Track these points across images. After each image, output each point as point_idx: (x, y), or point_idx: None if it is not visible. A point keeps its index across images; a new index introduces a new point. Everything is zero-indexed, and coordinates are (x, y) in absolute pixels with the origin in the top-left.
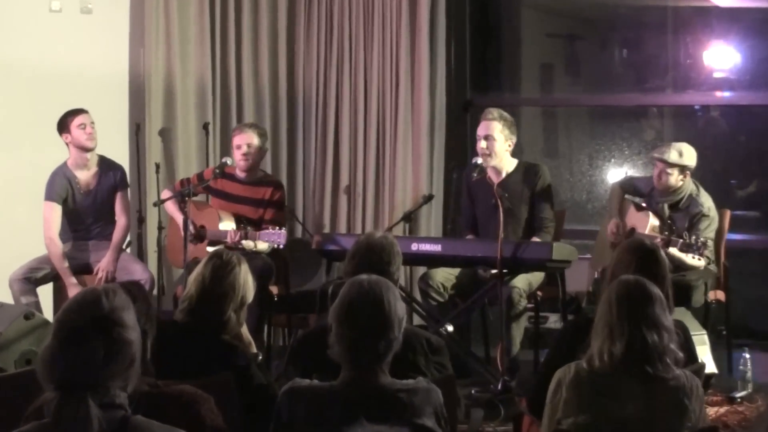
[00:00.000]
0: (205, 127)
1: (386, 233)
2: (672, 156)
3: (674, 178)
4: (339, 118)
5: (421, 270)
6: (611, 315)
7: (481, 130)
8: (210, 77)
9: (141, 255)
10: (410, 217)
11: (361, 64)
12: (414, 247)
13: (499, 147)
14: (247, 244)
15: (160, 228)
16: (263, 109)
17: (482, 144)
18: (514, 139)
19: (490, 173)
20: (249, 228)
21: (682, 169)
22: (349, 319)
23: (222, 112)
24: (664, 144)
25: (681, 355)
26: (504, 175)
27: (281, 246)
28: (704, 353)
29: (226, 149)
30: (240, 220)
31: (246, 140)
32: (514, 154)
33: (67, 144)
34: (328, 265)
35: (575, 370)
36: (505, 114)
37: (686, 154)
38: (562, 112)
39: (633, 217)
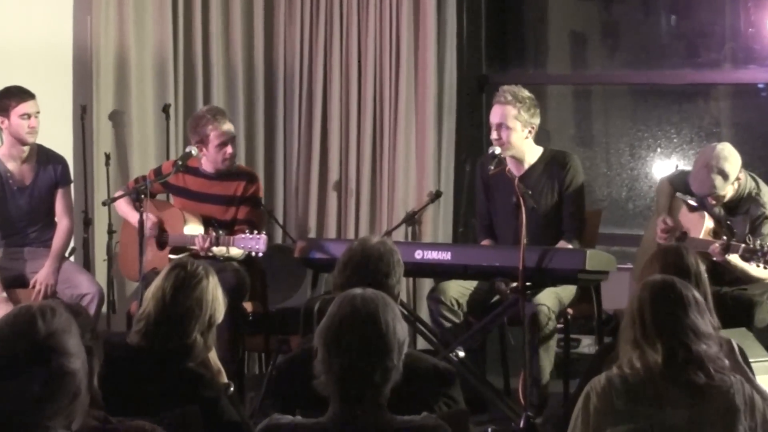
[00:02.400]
0: (165, 110)
1: (384, 239)
2: (718, 185)
3: (728, 194)
4: (327, 100)
5: (425, 283)
6: (636, 324)
7: (493, 117)
8: (171, 50)
9: (87, 264)
10: (414, 219)
11: (354, 35)
12: (418, 254)
13: (515, 137)
14: (219, 250)
15: (110, 232)
16: (235, 91)
17: (493, 133)
18: (537, 123)
19: (510, 165)
20: (221, 231)
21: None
22: (338, 343)
23: (186, 92)
24: (698, 167)
25: (726, 362)
26: (526, 167)
27: (260, 253)
28: None
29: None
30: (209, 222)
31: (228, 134)
32: (540, 139)
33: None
34: (314, 278)
35: (606, 378)
36: (524, 93)
37: (730, 167)
38: (597, 91)
39: (685, 219)
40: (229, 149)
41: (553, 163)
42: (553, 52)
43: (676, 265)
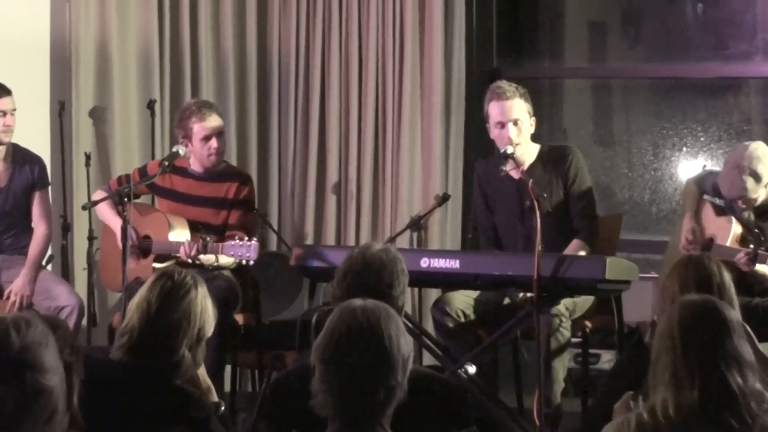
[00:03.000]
0: (150, 106)
1: (387, 246)
2: (749, 187)
3: (761, 197)
4: (325, 95)
5: (433, 293)
6: (675, 352)
7: (503, 114)
8: (156, 42)
9: (66, 274)
10: (419, 225)
11: (354, 24)
12: (424, 262)
13: (526, 131)
14: (208, 258)
15: (91, 238)
16: (226, 85)
17: (511, 131)
18: (534, 117)
19: (508, 166)
20: (209, 238)
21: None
22: (338, 359)
23: (172, 87)
24: (729, 167)
25: None
26: (526, 166)
27: (251, 262)
28: None
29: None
30: (196, 227)
31: (214, 127)
32: (555, 137)
33: None
34: (311, 288)
35: (636, 423)
36: (520, 87)
37: (763, 168)
38: (618, 85)
39: (711, 224)
40: (213, 143)
41: (552, 159)
42: (570, 44)
43: (698, 277)
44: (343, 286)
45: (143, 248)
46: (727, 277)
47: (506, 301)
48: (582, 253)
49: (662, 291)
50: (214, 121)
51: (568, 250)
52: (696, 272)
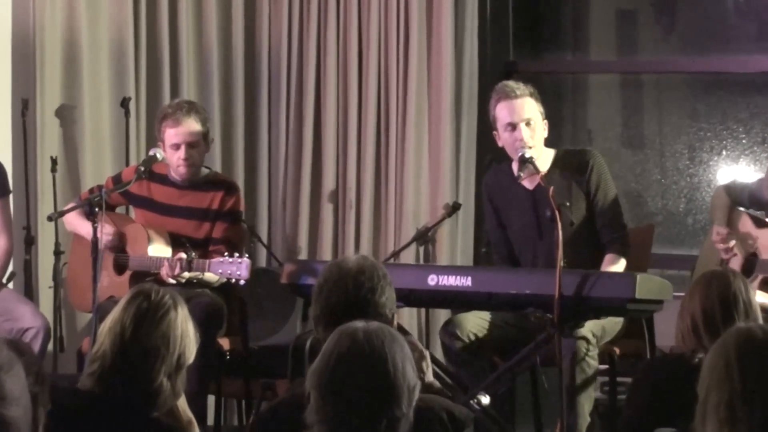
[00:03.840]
0: (125, 104)
1: (364, 255)
2: None
3: None
4: (321, 93)
5: (442, 315)
6: (733, 387)
7: (510, 114)
8: (132, 34)
9: (30, 292)
10: (427, 237)
11: (353, 13)
12: (432, 280)
13: (540, 133)
14: (194, 275)
15: (57, 253)
16: (209, 81)
17: (524, 132)
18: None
19: (525, 174)
20: (193, 253)
21: None
22: (336, 387)
23: (149, 84)
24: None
25: None
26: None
27: (242, 281)
28: None
29: (155, 137)
30: (178, 240)
31: (186, 134)
32: (580, 140)
33: None
34: (304, 308)
35: None
36: (529, 85)
37: None
38: (649, 81)
39: (752, 237)
40: (181, 153)
41: (570, 165)
42: (596, 34)
43: (722, 295)
44: (320, 302)
45: (118, 264)
46: (753, 295)
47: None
48: (620, 267)
49: (682, 309)
50: (187, 127)
51: (605, 266)
52: (720, 289)
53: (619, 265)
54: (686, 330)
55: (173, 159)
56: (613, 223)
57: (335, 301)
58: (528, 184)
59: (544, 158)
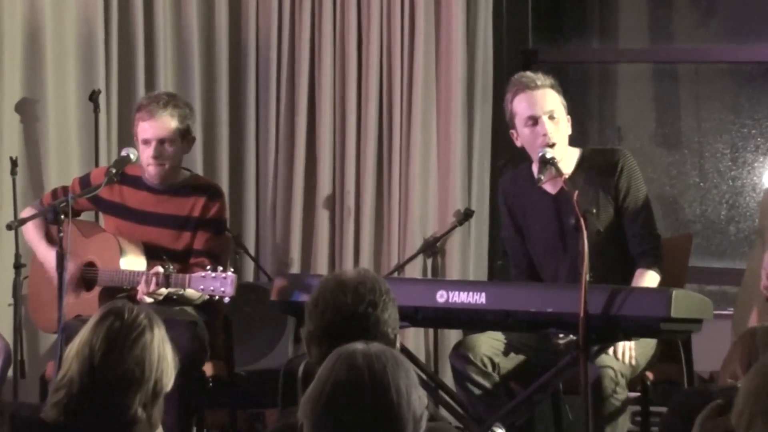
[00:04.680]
0: (93, 98)
1: (365, 268)
2: None
3: None
4: (316, 86)
5: (453, 336)
6: None
7: (531, 107)
8: (101, 18)
9: None
10: (435, 248)
11: None
12: (441, 297)
13: (564, 129)
14: (174, 291)
15: (18, 266)
16: (189, 73)
17: (549, 126)
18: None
19: (548, 176)
20: (171, 267)
21: None
22: (332, 417)
23: (121, 74)
24: None
25: None
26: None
27: (227, 298)
28: None
29: (128, 135)
30: (154, 252)
31: (158, 130)
32: (607, 139)
33: None
34: (296, 329)
35: None
36: (549, 77)
37: None
38: (686, 72)
39: None
40: (150, 150)
41: (597, 167)
42: (626, 19)
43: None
44: (314, 318)
45: (86, 278)
46: None
47: (545, 345)
48: (653, 282)
49: (723, 364)
50: (161, 121)
51: (636, 280)
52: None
53: (652, 280)
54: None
55: (143, 156)
56: (645, 232)
57: (332, 317)
58: (550, 188)
59: (567, 159)
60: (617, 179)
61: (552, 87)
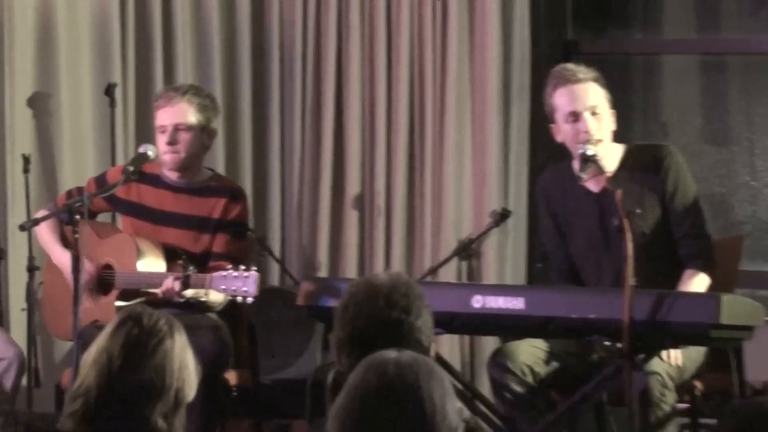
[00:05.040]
0: (109, 92)
1: (397, 272)
2: None
3: None
4: (343, 81)
5: (490, 344)
6: None
7: (572, 102)
8: (117, 8)
9: (0, 316)
10: (470, 251)
11: None
12: (477, 302)
13: (608, 125)
14: (196, 293)
15: (32, 269)
16: (210, 67)
17: (590, 123)
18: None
19: (589, 174)
20: (192, 267)
21: None
22: (362, 429)
23: (138, 67)
24: None
25: None
26: (608, 173)
27: (249, 299)
28: None
29: (145, 131)
30: (173, 253)
31: (174, 116)
32: (652, 134)
33: None
34: (325, 335)
35: None
36: (593, 69)
37: None
38: (736, 64)
39: None
40: (166, 137)
41: (642, 165)
42: (672, 8)
43: None
44: (344, 324)
45: (103, 282)
46: None
47: (587, 353)
48: (701, 286)
49: None
50: (178, 108)
51: (684, 283)
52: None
53: (701, 284)
54: None
55: (159, 146)
56: (694, 232)
57: (364, 323)
58: (593, 186)
59: (611, 155)
60: (664, 177)
61: (595, 80)
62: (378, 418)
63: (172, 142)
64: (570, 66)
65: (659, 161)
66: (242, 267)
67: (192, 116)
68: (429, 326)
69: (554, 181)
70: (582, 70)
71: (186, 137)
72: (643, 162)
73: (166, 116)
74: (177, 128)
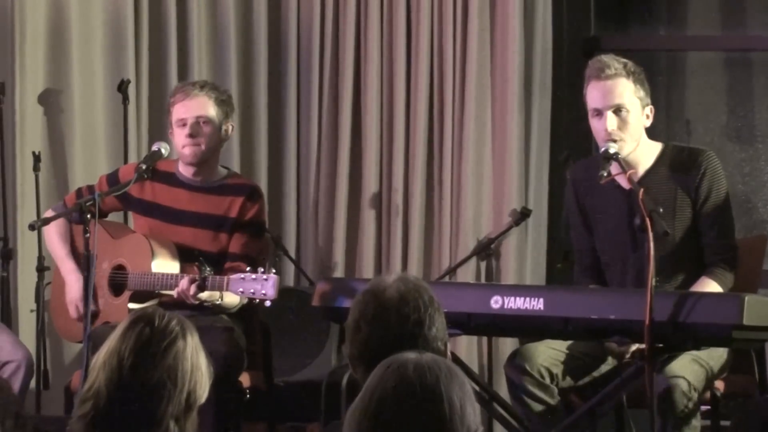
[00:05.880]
0: (122, 88)
1: (403, 274)
2: None
3: None
4: (361, 78)
5: (508, 345)
6: None
7: (598, 98)
8: (131, 6)
9: (8, 318)
10: (489, 251)
11: None
12: (496, 302)
13: (635, 123)
14: (211, 295)
15: (41, 269)
16: (225, 63)
17: (610, 122)
18: (651, 105)
19: (616, 171)
20: (209, 269)
21: None
22: (380, 431)
23: (152, 62)
24: None
25: None
26: (641, 172)
27: (268, 302)
28: None
29: (159, 128)
30: (188, 254)
31: (195, 109)
32: (674, 132)
33: None
34: (340, 337)
35: None
36: (630, 63)
37: None
38: (760, 61)
39: None
40: (186, 129)
41: (679, 166)
42: (696, 4)
43: None
44: (357, 343)
45: (115, 283)
46: None
47: (607, 366)
48: (723, 286)
49: None
50: (198, 101)
51: (701, 284)
52: None
53: (725, 282)
54: None
55: (178, 140)
56: (721, 242)
57: (377, 343)
58: (624, 182)
59: (646, 153)
60: (699, 181)
61: (628, 75)
62: (396, 420)
63: (193, 134)
64: (604, 59)
65: (696, 165)
66: (261, 269)
67: (212, 109)
68: (443, 330)
69: (586, 173)
70: (614, 64)
71: (207, 130)
72: (680, 163)
73: (185, 110)
74: (198, 120)
